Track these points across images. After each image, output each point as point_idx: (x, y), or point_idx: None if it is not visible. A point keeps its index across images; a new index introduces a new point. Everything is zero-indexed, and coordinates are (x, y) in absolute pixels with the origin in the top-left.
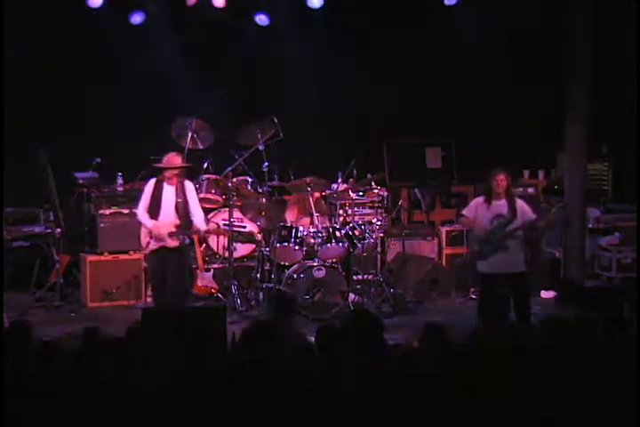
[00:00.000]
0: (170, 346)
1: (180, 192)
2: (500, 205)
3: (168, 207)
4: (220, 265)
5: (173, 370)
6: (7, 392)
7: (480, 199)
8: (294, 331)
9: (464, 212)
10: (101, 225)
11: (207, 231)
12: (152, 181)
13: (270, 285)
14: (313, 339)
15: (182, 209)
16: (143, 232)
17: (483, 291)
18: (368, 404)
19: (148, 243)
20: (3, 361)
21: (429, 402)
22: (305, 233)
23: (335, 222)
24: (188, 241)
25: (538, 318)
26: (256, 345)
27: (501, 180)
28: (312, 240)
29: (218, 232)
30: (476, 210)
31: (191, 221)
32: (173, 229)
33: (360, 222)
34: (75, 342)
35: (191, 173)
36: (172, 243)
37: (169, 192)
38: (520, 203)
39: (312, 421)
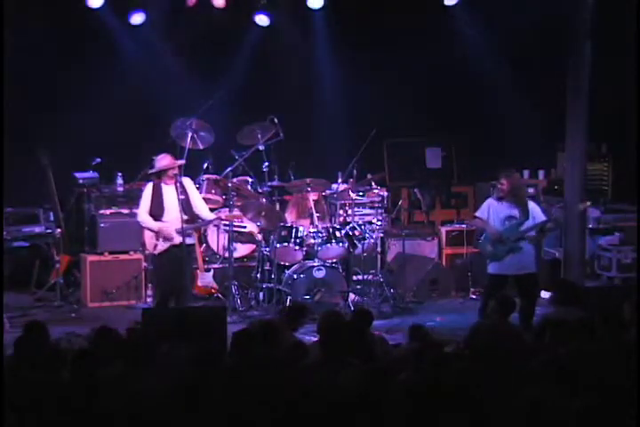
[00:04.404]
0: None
1: (181, 189)
2: (512, 205)
3: (172, 206)
4: (220, 265)
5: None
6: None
7: (492, 200)
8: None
9: (477, 213)
10: (101, 225)
11: (219, 219)
12: (149, 185)
13: (270, 285)
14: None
15: (186, 205)
16: (147, 236)
17: (489, 291)
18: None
19: (156, 245)
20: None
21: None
22: (305, 233)
23: (335, 222)
24: (194, 240)
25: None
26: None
27: (501, 184)
28: (312, 240)
29: (231, 217)
30: (489, 211)
31: (197, 215)
32: (181, 226)
33: (360, 222)
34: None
35: (191, 173)
36: (182, 240)
37: (170, 192)
38: (532, 204)
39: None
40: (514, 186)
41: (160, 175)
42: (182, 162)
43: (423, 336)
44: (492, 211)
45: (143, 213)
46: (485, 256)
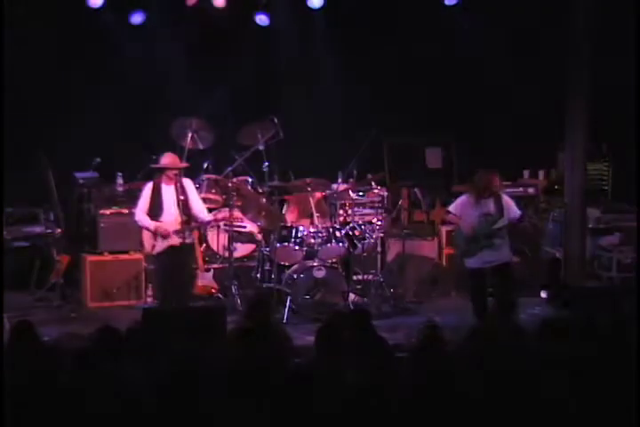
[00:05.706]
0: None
1: (181, 190)
2: (488, 203)
3: (170, 206)
4: (220, 265)
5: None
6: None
7: (466, 198)
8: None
9: (450, 208)
10: (101, 225)
11: (215, 221)
12: (149, 185)
13: (270, 285)
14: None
15: (185, 206)
16: (146, 235)
17: (473, 286)
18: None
19: (154, 246)
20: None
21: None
22: (305, 233)
23: (335, 222)
24: (192, 240)
25: (538, 318)
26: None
27: (497, 181)
28: (312, 240)
29: (227, 218)
30: (462, 208)
31: (194, 216)
32: (178, 227)
33: (360, 222)
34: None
35: (191, 173)
36: (180, 240)
37: (169, 192)
38: (506, 199)
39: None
40: (487, 184)
41: (161, 173)
42: (186, 165)
43: (435, 336)
44: (467, 208)
45: (140, 212)
46: (459, 253)
